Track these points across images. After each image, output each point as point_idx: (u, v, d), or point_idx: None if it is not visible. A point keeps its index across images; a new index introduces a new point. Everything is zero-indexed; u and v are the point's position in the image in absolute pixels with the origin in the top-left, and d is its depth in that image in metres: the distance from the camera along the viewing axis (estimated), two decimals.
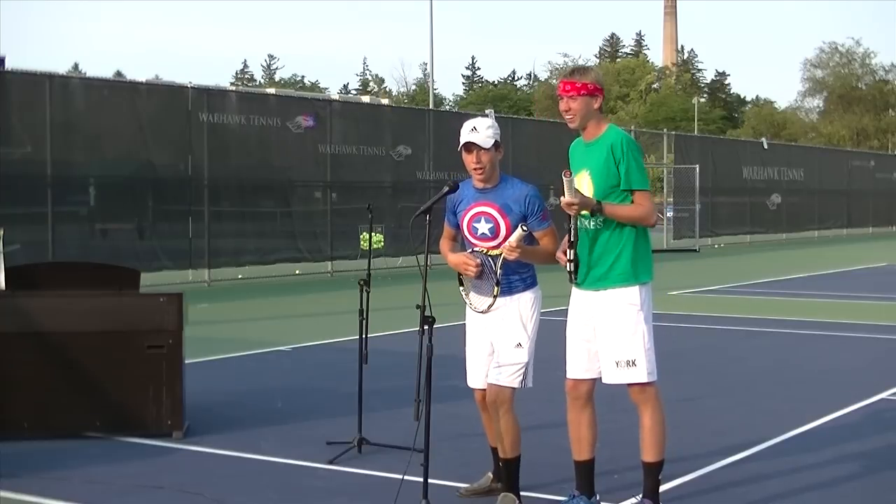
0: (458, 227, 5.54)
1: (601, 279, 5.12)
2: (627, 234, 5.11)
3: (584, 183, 5.11)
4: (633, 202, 5.09)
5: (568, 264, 5.09)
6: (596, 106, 5.15)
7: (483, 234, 5.39)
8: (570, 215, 5.07)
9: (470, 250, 5.39)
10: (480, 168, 5.34)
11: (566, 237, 5.11)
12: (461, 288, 5.40)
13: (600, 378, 5.21)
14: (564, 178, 4.96)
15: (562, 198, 4.96)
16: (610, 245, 5.11)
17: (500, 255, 5.22)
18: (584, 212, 5.07)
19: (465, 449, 6.51)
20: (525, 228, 5.17)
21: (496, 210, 5.36)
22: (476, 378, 5.53)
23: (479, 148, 5.31)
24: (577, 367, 5.22)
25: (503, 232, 5.33)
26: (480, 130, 5.33)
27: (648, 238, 5.25)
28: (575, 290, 5.25)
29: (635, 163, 5.08)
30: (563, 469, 5.64)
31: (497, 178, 5.42)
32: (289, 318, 14.37)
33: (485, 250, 5.33)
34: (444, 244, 5.63)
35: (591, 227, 5.13)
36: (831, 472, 6.17)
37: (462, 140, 5.34)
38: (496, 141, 5.35)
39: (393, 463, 6.04)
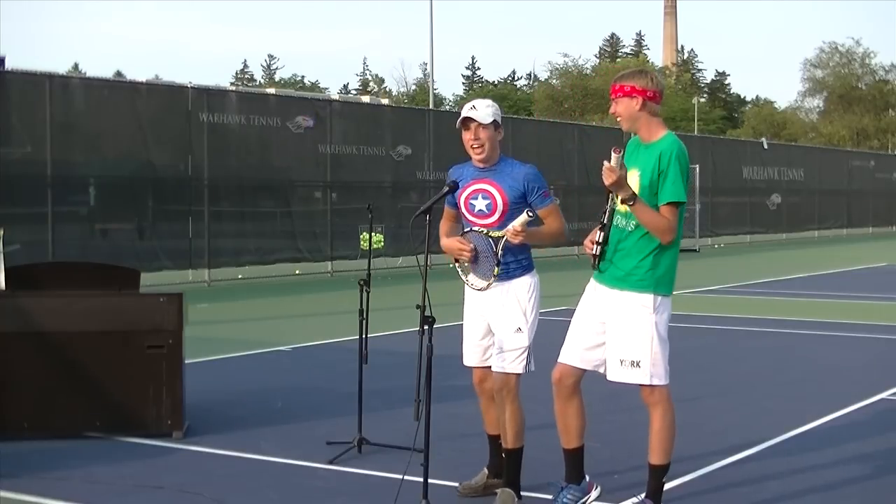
0: (457, 206, 5.54)
1: (620, 280, 5.08)
2: (657, 243, 5.04)
3: (632, 181, 5.03)
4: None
5: (595, 247, 5.06)
6: (637, 107, 5.01)
7: (480, 210, 5.39)
8: (607, 200, 5.05)
9: (468, 229, 5.38)
10: (479, 145, 5.33)
11: (597, 227, 5.08)
12: (456, 265, 5.39)
13: (593, 371, 5.20)
14: (614, 154, 4.89)
15: (606, 162, 4.87)
16: (636, 249, 5.05)
17: (502, 237, 5.22)
18: (619, 203, 5.00)
19: (465, 449, 6.50)
20: (531, 214, 5.16)
21: (494, 187, 5.36)
22: (471, 356, 5.55)
23: (478, 123, 5.31)
24: (572, 353, 5.19)
25: (500, 208, 5.32)
26: (480, 108, 5.35)
27: (676, 254, 5.16)
28: (593, 281, 5.22)
29: (674, 175, 4.96)
30: (563, 469, 5.62)
31: (496, 157, 5.42)
32: (289, 318, 14.37)
33: (485, 231, 5.33)
34: (444, 224, 5.64)
35: (624, 226, 5.08)
36: (832, 473, 6.17)
37: (461, 116, 5.35)
38: (496, 119, 5.35)
39: (393, 463, 6.04)
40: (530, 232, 5.24)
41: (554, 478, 5.53)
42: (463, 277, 5.40)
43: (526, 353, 5.35)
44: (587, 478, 5.32)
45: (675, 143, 5.04)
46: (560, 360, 5.22)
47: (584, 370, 5.21)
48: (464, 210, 5.47)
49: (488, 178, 5.39)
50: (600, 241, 5.06)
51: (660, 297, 5.09)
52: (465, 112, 5.35)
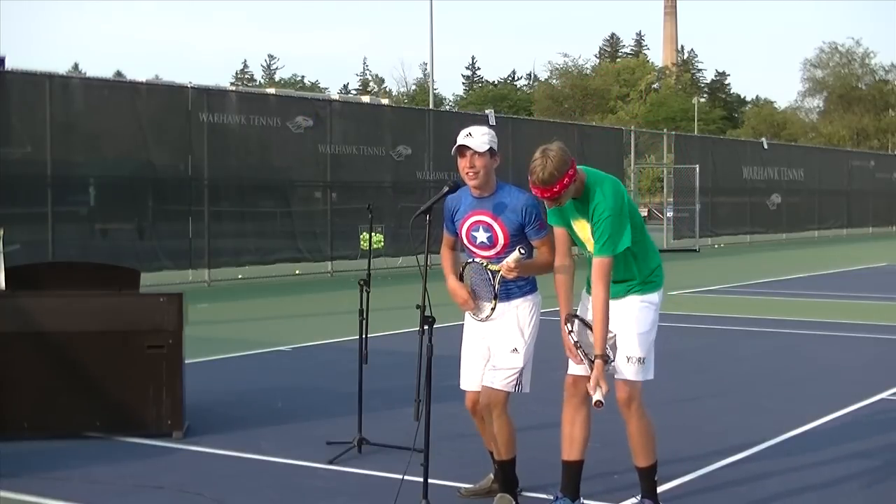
0: (456, 234, 5.53)
1: (622, 294, 5.14)
2: (631, 253, 5.10)
3: (587, 231, 5.09)
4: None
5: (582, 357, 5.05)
6: (572, 184, 4.97)
7: (482, 242, 5.39)
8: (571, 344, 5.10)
9: (470, 260, 5.38)
10: (474, 173, 5.31)
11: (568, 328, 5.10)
12: None
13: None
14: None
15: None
16: (623, 267, 5.12)
17: (499, 271, 5.22)
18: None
19: (465, 449, 6.51)
20: (523, 252, 5.16)
21: (493, 219, 5.34)
22: (469, 381, 5.53)
23: (473, 151, 5.29)
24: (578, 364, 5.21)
25: (501, 240, 5.33)
26: (476, 136, 5.31)
27: (653, 246, 5.26)
28: (588, 296, 5.26)
29: (604, 229, 5.03)
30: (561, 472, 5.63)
31: (493, 185, 5.39)
32: (289, 318, 14.37)
33: (484, 263, 5.33)
34: (445, 254, 5.61)
35: None
36: (831, 472, 6.17)
37: (457, 143, 5.33)
38: (492, 147, 5.32)
39: (393, 463, 6.04)
40: (523, 265, 5.22)
41: (552, 479, 5.54)
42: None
43: (518, 375, 5.34)
44: (581, 499, 5.31)
45: (601, 193, 5.02)
46: (569, 371, 5.24)
47: None
48: (465, 242, 5.47)
49: (487, 209, 5.36)
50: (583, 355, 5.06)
51: (660, 291, 5.22)
52: (461, 140, 5.30)
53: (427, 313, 4.90)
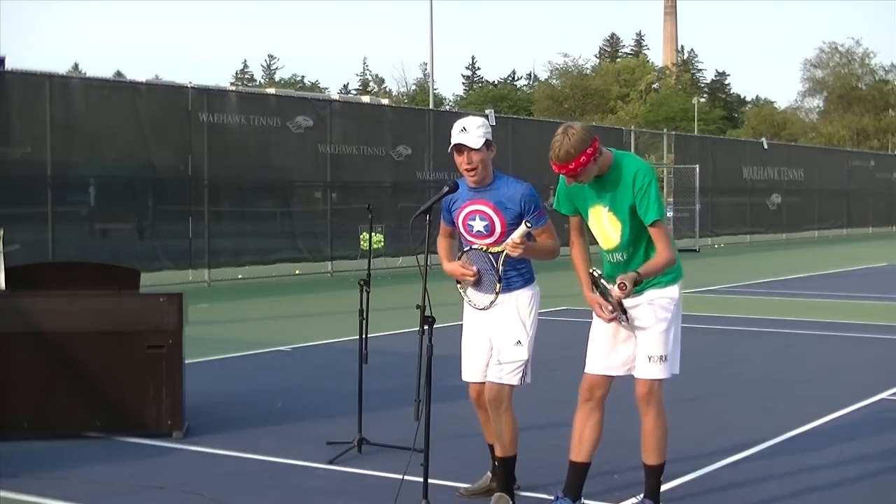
0: (453, 224, 5.53)
1: (639, 288, 5.08)
2: (651, 249, 5.06)
3: (603, 219, 5.09)
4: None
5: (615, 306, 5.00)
6: (597, 163, 4.96)
7: (479, 231, 5.39)
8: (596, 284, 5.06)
9: (468, 248, 5.39)
10: (472, 169, 5.32)
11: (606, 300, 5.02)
12: (458, 285, 5.41)
13: (620, 376, 5.21)
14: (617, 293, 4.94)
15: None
16: (639, 265, 5.06)
17: (502, 251, 5.22)
18: (609, 248, 5.10)
19: (465, 449, 6.51)
20: (529, 225, 5.15)
21: (490, 208, 5.35)
22: (471, 372, 5.54)
23: (470, 149, 5.29)
24: (597, 362, 5.19)
25: (498, 229, 5.32)
26: (470, 131, 5.30)
27: (672, 241, 5.27)
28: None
29: (655, 193, 5.01)
30: (561, 469, 5.62)
31: (491, 176, 5.39)
32: (289, 318, 14.37)
33: (485, 248, 5.33)
34: (442, 242, 5.64)
35: (619, 260, 5.13)
36: (831, 473, 6.17)
37: (452, 141, 5.33)
38: (487, 140, 5.32)
39: (393, 463, 6.04)
40: (528, 246, 5.20)
41: (551, 478, 5.54)
42: (464, 296, 5.41)
43: (523, 367, 5.36)
44: (583, 501, 5.31)
45: (638, 162, 5.05)
46: (587, 370, 5.23)
47: (612, 378, 5.22)
48: (462, 231, 5.47)
49: (484, 198, 5.36)
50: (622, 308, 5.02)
51: (679, 283, 5.18)
52: (456, 137, 5.29)
53: (427, 313, 4.89)
